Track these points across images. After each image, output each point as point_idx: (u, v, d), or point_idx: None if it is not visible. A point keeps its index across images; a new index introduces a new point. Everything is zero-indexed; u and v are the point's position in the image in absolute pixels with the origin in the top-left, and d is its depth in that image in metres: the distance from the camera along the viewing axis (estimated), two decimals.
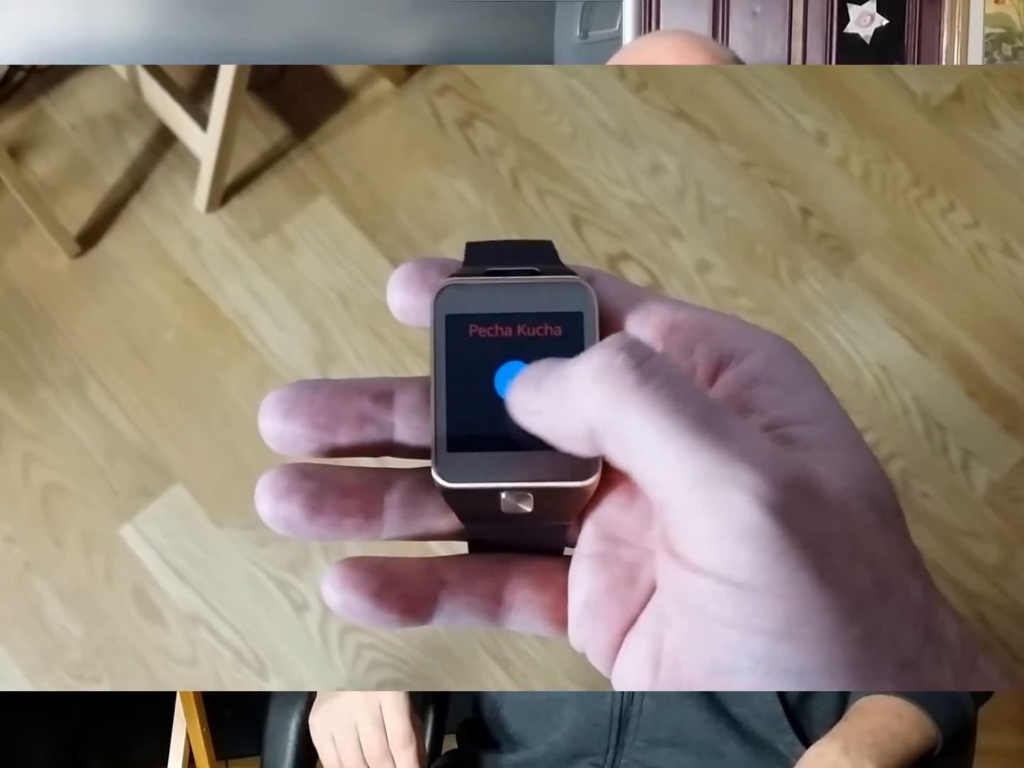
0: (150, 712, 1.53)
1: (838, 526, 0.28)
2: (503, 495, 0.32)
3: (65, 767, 1.76)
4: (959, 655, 0.30)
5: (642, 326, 0.33)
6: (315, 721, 0.95)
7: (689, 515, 0.28)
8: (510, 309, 0.33)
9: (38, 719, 1.71)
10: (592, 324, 0.33)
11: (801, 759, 0.90)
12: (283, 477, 0.32)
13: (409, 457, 0.34)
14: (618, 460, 0.29)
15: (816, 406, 0.31)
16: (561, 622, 0.33)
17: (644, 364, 0.29)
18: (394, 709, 0.92)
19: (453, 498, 0.32)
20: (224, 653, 1.43)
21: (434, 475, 0.32)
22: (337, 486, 0.32)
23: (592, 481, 0.32)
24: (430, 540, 0.34)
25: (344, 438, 0.33)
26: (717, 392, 0.32)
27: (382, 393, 0.33)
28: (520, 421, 0.31)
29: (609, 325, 0.33)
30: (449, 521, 0.33)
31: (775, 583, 0.27)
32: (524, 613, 0.33)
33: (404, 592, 0.32)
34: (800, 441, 0.30)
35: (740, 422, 0.29)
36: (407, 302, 0.34)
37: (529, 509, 0.32)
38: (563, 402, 0.30)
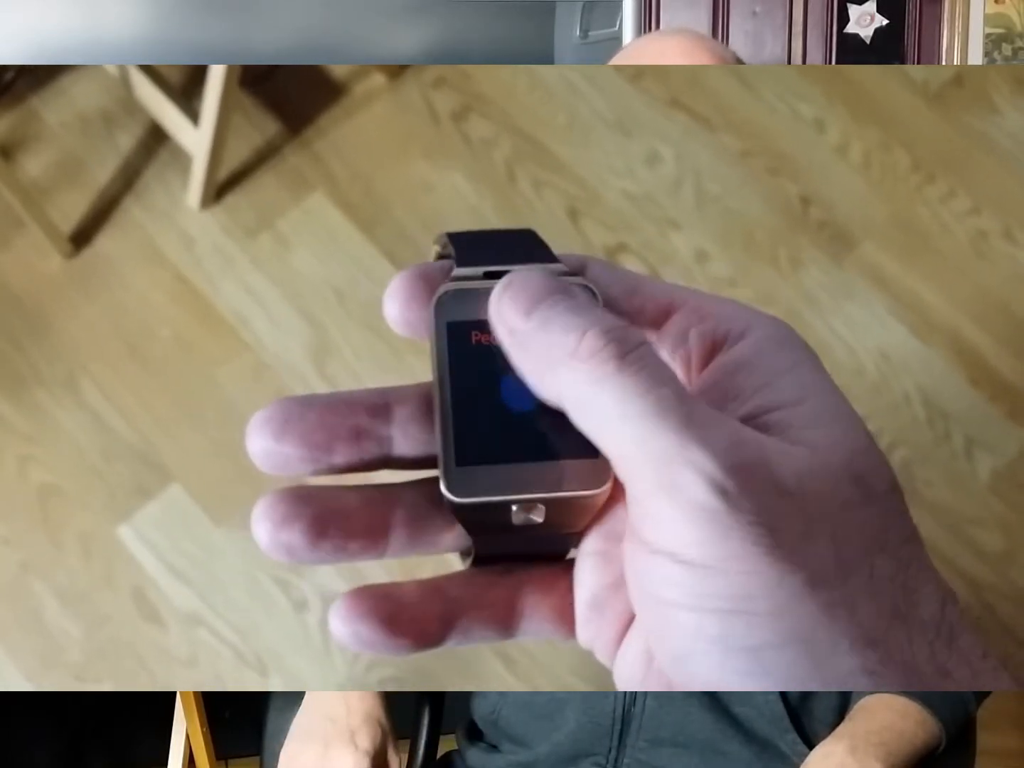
0: (150, 712, 1.53)
1: (793, 507, 0.29)
2: (514, 507, 0.31)
3: (65, 767, 1.76)
4: (934, 634, 0.30)
5: (636, 317, 0.33)
6: (282, 760, 0.93)
7: (647, 494, 0.29)
8: None
9: (38, 719, 1.71)
10: None
11: (807, 759, 0.89)
12: (281, 503, 0.31)
13: (408, 469, 0.33)
14: (585, 431, 0.30)
15: (801, 387, 0.31)
16: (571, 623, 0.33)
17: (629, 355, 0.29)
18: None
19: (464, 513, 0.32)
20: (224, 653, 1.42)
21: (443, 491, 0.31)
22: (340, 509, 0.31)
23: (605, 489, 0.31)
24: (432, 555, 0.33)
25: (341, 455, 0.32)
26: (706, 378, 0.32)
27: (378, 406, 0.32)
28: (498, 334, 0.31)
29: None
30: (455, 535, 0.33)
31: (725, 559, 0.28)
32: (534, 620, 0.33)
33: (415, 615, 0.32)
34: (777, 426, 0.30)
35: (707, 411, 0.30)
36: (405, 314, 0.33)
37: (540, 520, 0.32)
38: (544, 357, 0.30)
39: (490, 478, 0.31)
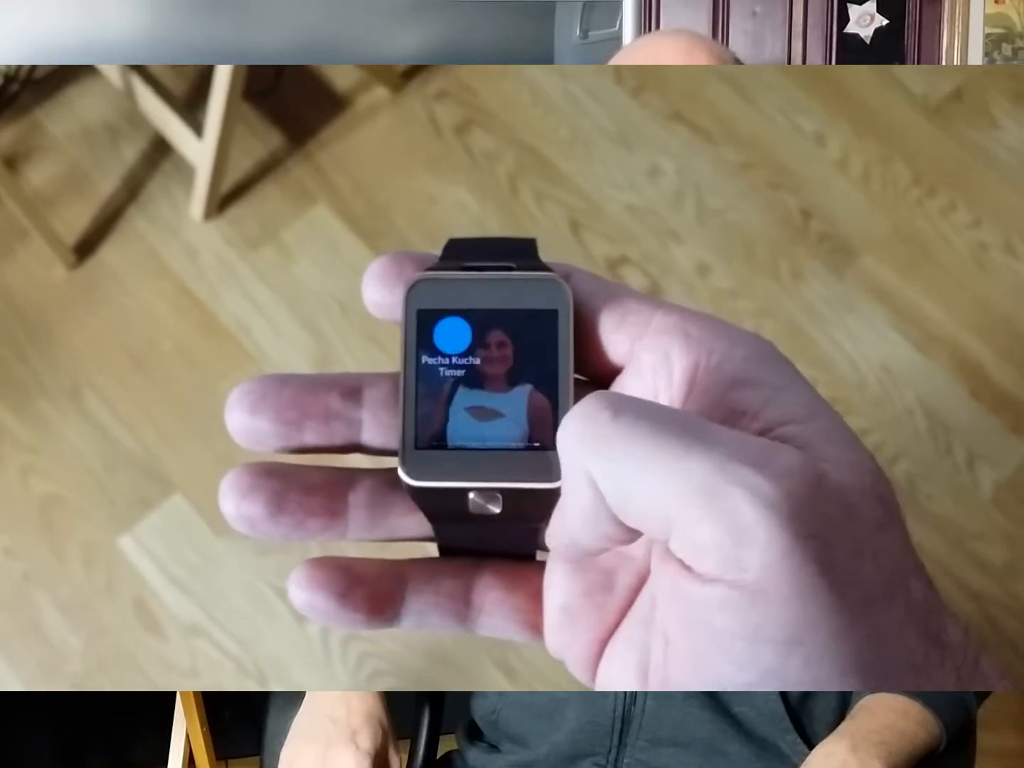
0: (150, 712, 1.53)
1: (843, 520, 0.27)
2: (471, 495, 0.31)
3: (65, 767, 1.75)
4: (962, 659, 0.29)
5: (617, 329, 0.33)
6: (283, 760, 0.92)
7: (692, 527, 0.27)
8: (484, 305, 0.32)
9: (38, 719, 1.71)
10: (567, 322, 0.32)
11: (808, 758, 0.89)
12: (246, 475, 0.32)
13: (378, 455, 0.33)
14: (620, 508, 0.28)
15: (807, 404, 0.31)
16: (534, 626, 0.33)
17: (615, 402, 0.28)
18: None
19: (420, 497, 0.32)
20: (225, 663, 1.42)
21: (401, 473, 0.31)
22: (301, 484, 0.32)
23: (560, 483, 0.31)
24: (398, 541, 0.34)
25: (311, 434, 0.32)
26: (699, 396, 0.31)
27: (351, 389, 0.33)
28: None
29: (584, 323, 0.32)
30: (417, 522, 0.33)
31: (783, 582, 0.26)
32: (495, 616, 0.33)
33: (370, 592, 0.32)
34: (799, 439, 0.29)
35: (722, 428, 0.28)
36: (381, 296, 0.33)
37: (497, 510, 0.31)
38: (566, 477, 0.29)
39: (448, 464, 0.31)
